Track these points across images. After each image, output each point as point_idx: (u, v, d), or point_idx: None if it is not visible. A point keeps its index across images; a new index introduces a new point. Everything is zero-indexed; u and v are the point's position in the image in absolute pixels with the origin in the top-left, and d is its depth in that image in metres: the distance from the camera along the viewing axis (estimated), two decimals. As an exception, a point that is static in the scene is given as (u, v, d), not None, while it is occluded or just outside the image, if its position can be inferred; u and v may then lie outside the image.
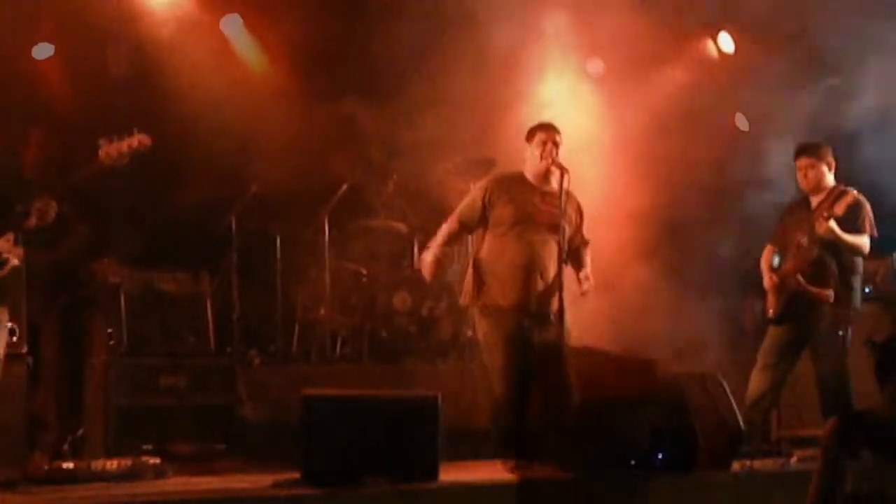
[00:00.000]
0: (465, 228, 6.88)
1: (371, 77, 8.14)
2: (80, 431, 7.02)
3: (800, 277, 6.93)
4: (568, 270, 6.74)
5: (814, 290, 6.94)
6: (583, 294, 6.77)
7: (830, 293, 6.93)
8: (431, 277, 6.92)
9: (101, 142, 5.80)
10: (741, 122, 9.17)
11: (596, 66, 8.91)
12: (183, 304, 7.69)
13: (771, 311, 7.12)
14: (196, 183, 8.12)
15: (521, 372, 6.59)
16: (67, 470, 6.13)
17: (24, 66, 7.99)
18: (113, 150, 5.79)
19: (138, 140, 5.83)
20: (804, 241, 6.98)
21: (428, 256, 6.82)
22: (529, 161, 6.75)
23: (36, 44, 7.97)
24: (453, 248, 7.38)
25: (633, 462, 6.24)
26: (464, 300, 6.85)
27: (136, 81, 8.13)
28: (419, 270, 8.12)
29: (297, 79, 8.45)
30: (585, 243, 6.88)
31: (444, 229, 6.85)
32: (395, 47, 7.96)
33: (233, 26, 8.55)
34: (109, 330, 7.36)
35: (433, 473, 5.97)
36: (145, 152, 5.90)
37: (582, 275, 6.78)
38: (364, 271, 8.35)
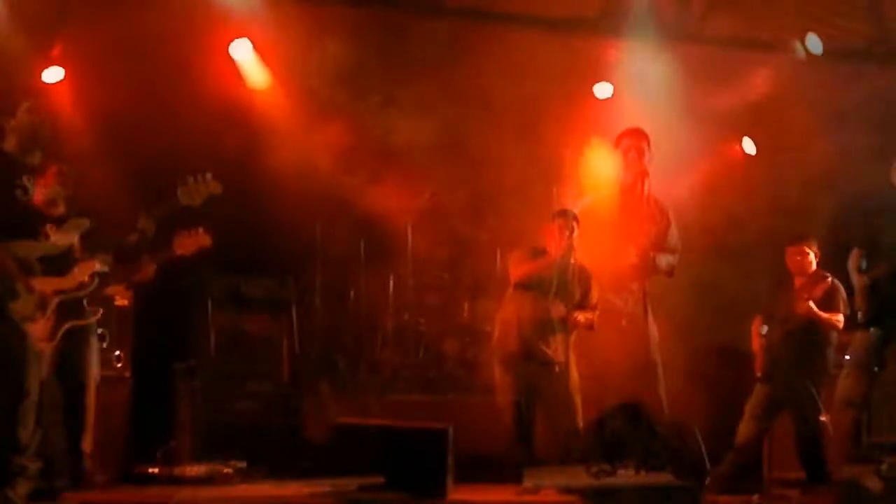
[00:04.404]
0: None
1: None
2: (172, 442, 8.09)
3: (811, 304, 7.76)
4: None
5: (825, 316, 7.79)
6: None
7: (840, 318, 7.81)
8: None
9: (179, 183, 6.58)
10: (748, 147, 9.67)
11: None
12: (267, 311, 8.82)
13: (758, 372, 8.07)
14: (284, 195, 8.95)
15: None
16: (152, 474, 7.57)
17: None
18: (189, 192, 6.60)
19: (212, 186, 6.66)
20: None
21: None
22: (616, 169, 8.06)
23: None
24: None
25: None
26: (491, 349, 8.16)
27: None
28: (465, 321, 9.52)
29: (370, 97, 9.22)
30: (675, 250, 8.10)
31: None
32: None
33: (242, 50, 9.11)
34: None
35: (442, 492, 7.04)
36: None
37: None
38: (422, 321, 9.71)
